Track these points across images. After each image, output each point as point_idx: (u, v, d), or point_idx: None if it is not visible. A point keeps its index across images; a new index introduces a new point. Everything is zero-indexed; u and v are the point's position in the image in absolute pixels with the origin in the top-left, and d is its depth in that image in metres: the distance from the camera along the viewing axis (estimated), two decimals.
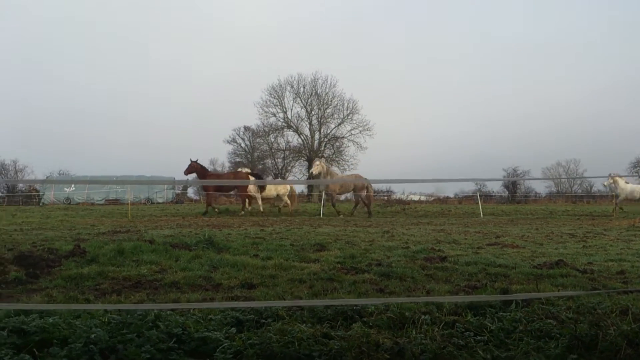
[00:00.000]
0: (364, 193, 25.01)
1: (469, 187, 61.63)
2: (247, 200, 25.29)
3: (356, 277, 6.33)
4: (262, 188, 25.25)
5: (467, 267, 7.06)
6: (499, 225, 17.00)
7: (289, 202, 26.39)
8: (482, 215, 25.26)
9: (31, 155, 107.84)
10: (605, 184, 29.04)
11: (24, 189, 52.09)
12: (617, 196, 27.62)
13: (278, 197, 26.68)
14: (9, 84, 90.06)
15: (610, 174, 27.94)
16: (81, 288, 5.68)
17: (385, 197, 47.67)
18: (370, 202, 25.37)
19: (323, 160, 26.85)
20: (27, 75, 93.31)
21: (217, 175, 25.49)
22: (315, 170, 24.82)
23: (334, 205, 25.42)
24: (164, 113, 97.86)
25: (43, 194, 47.67)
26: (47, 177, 55.77)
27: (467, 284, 5.90)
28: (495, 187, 60.66)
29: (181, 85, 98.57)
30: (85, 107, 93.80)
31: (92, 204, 43.47)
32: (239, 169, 25.62)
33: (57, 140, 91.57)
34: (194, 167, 24.62)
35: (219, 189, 25.72)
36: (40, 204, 43.34)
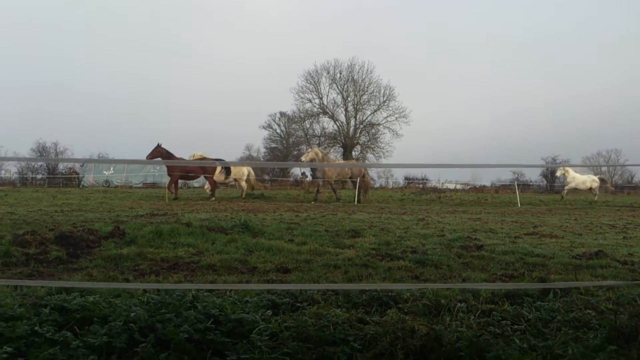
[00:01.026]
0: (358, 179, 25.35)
1: (505, 176, 60.65)
2: (215, 185, 25.24)
3: (391, 263, 6.33)
4: (226, 173, 25.32)
5: (504, 256, 6.98)
6: (536, 215, 16.72)
7: (244, 186, 26.10)
8: (519, 205, 24.84)
9: (71, 140, 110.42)
10: (558, 174, 29.79)
11: (64, 171, 53.47)
12: (567, 185, 29.10)
13: (236, 182, 26.60)
14: (50, 70, 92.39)
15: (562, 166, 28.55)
16: (120, 268, 5.84)
17: (420, 185, 47.34)
18: (366, 189, 25.75)
19: (316, 147, 26.92)
20: (69, 64, 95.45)
21: (184, 161, 25.15)
22: (305, 157, 25.06)
23: (334, 191, 25.57)
24: (205, 100, 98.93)
25: (83, 177, 48.84)
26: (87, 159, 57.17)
27: (504, 273, 5.84)
28: (534, 176, 59.55)
29: (221, 72, 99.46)
30: (123, 94, 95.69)
31: (130, 187, 44.34)
32: (200, 154, 25.05)
33: (96, 126, 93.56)
34: (159, 152, 24.02)
35: (184, 174, 25.54)
36: (80, 187, 44.39)
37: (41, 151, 61.37)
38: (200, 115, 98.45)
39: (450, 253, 7.22)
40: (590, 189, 29.69)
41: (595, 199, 29.36)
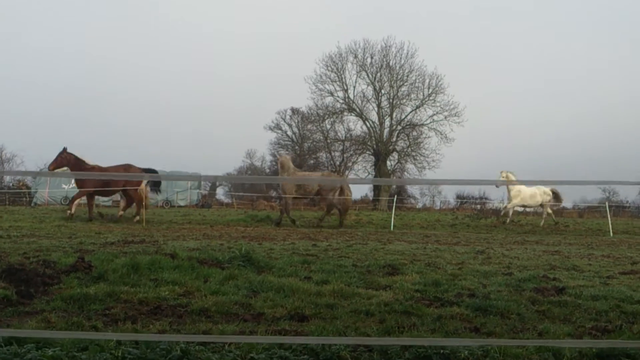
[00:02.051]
0: (335, 196, 25.28)
1: (593, 195, 60.20)
2: (141, 202, 24.97)
3: (441, 310, 6.29)
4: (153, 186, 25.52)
5: (594, 303, 6.90)
6: (636, 247, 16.50)
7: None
8: (611, 234, 24.56)
9: (21, 143, 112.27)
10: (498, 186, 29.99)
11: (11, 184, 54.12)
12: (510, 201, 29.49)
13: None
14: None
15: (502, 171, 28.81)
16: (87, 312, 5.87)
17: (478, 206, 47.12)
18: (345, 209, 25.72)
19: (285, 155, 26.95)
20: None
21: (100, 169, 24.74)
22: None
23: (287, 213, 25.73)
24: (184, 95, 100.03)
25: (35, 192, 49.40)
26: (40, 170, 57.86)
27: (595, 326, 5.76)
28: (631, 195, 58.96)
29: (208, 53, 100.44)
30: (89, 87, 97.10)
31: (97, 205, 44.80)
32: (130, 164, 24.87)
33: (53, 125, 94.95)
34: (66, 160, 23.81)
35: (99, 188, 25.18)
36: (32, 205, 44.91)
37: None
38: (184, 110, 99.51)
39: (520, 298, 7.15)
40: (542, 205, 29.76)
41: (542, 222, 29.18)
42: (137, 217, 24.04)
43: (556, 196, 30.41)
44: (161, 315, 5.88)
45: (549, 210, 30.04)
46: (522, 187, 29.27)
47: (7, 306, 6.08)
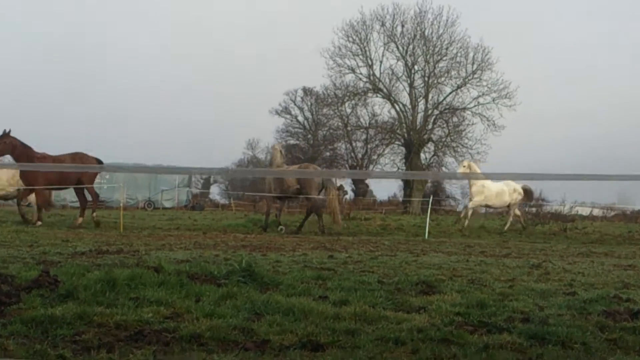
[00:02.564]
0: (318, 194, 25.45)
1: None
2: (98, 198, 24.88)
3: (488, 338, 6.28)
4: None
5: None
6: None
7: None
8: None
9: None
10: (456, 183, 29.91)
11: None
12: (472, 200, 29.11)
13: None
14: None
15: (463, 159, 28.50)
16: (52, 338, 5.88)
17: (533, 209, 46.80)
18: (334, 210, 25.45)
19: (277, 143, 27.01)
20: None
21: (52, 158, 24.17)
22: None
23: (266, 214, 26.37)
24: (170, 72, 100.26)
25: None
26: None
27: None
28: None
29: (201, 20, 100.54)
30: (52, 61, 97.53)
31: (64, 206, 44.95)
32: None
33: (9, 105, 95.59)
34: (9, 145, 22.99)
35: (53, 182, 24.63)
36: None
37: None
38: (167, 93, 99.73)
39: (586, 323, 7.11)
40: (509, 205, 29.37)
41: (506, 226, 28.95)
42: (95, 214, 24.26)
43: (527, 194, 30.24)
44: (143, 342, 5.89)
45: (517, 212, 29.57)
46: (487, 183, 28.68)
47: None
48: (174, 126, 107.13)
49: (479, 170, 28.69)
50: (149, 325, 6.47)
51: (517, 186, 29.33)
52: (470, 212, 28.79)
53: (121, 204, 27.50)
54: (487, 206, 30.82)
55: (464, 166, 28.92)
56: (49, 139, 68.65)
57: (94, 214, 24.39)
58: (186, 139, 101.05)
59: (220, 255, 13.63)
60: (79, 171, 24.00)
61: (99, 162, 24.60)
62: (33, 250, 13.51)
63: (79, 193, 25.39)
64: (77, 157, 24.18)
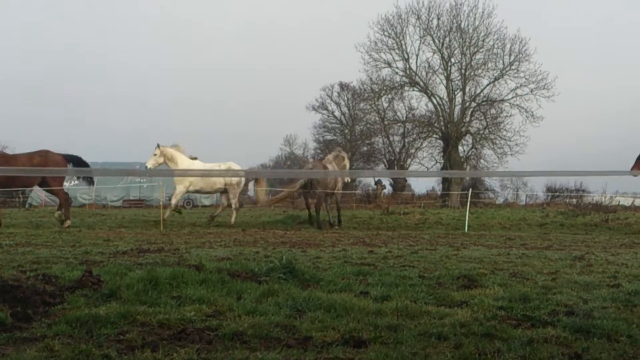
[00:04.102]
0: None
1: None
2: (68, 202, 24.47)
3: (532, 332, 6.24)
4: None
5: None
6: None
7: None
8: None
9: (13, 132, 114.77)
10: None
11: None
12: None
13: None
14: None
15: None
16: (97, 338, 5.94)
17: (574, 200, 46.43)
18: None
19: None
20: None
21: (4, 158, 23.45)
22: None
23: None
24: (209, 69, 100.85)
25: (30, 191, 50.23)
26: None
27: None
28: None
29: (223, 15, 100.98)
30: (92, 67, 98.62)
31: (105, 206, 45.45)
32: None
33: (51, 112, 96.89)
34: None
35: (8, 182, 23.93)
36: (27, 206, 45.68)
37: None
38: (203, 95, 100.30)
39: (631, 315, 7.04)
40: (225, 191, 26.80)
41: (216, 213, 27.04)
42: (68, 222, 23.15)
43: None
44: (186, 340, 5.93)
45: (234, 201, 26.70)
46: (196, 164, 26.20)
47: (1, 332, 6.16)
48: (213, 124, 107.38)
49: (181, 156, 25.91)
50: (191, 323, 6.51)
51: (238, 167, 27.17)
52: (174, 201, 26.00)
53: (160, 203, 27.64)
54: (197, 192, 28.16)
55: (157, 154, 25.77)
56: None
57: (58, 213, 23.72)
58: (225, 136, 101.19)
59: (260, 252, 13.68)
60: (42, 171, 22.42)
61: (74, 159, 23.96)
62: (75, 250, 13.64)
63: (53, 193, 25.05)
64: (38, 156, 23.01)
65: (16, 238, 17.16)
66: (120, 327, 6.34)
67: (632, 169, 12.73)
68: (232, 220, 25.81)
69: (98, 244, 15.39)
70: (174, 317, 6.71)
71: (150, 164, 25.46)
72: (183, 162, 25.56)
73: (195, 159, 26.08)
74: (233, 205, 26.39)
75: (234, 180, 26.07)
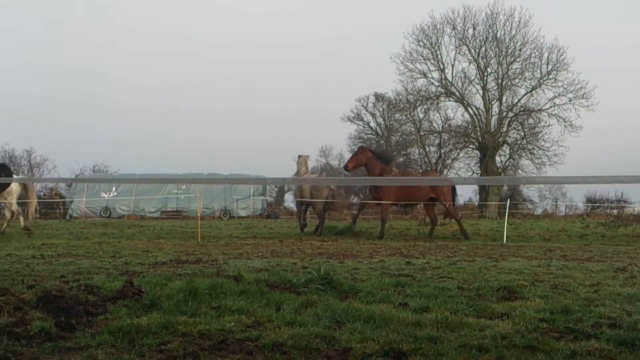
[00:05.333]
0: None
1: None
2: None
3: (575, 345, 6.18)
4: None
5: None
6: None
7: (13, 211, 25.05)
8: None
9: (54, 145, 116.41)
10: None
11: (42, 193, 55.84)
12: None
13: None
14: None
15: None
16: (139, 348, 6.01)
17: (615, 211, 45.94)
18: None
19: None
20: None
21: None
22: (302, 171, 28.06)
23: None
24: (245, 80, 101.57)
25: (71, 202, 50.86)
26: (76, 176, 59.47)
27: None
28: None
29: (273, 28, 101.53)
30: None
31: (143, 217, 45.84)
32: None
33: (90, 124, 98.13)
34: None
35: None
36: (67, 217, 46.25)
37: (7, 164, 64.52)
38: (242, 105, 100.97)
39: None
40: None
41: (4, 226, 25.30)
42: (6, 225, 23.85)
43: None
44: (227, 351, 5.96)
45: (14, 208, 25.18)
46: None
47: (46, 341, 6.25)
48: (250, 135, 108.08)
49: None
50: (231, 334, 6.55)
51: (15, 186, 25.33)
52: (13, 215, 25.28)
53: (198, 214, 27.85)
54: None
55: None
56: None
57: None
58: (262, 146, 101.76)
59: (297, 263, 13.72)
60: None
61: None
62: (115, 261, 13.80)
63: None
64: None
65: (58, 249, 17.43)
66: (161, 337, 6.40)
67: None
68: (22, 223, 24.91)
69: (137, 255, 15.55)
70: (214, 327, 6.75)
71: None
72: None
73: None
74: (15, 212, 25.19)
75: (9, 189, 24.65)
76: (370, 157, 25.89)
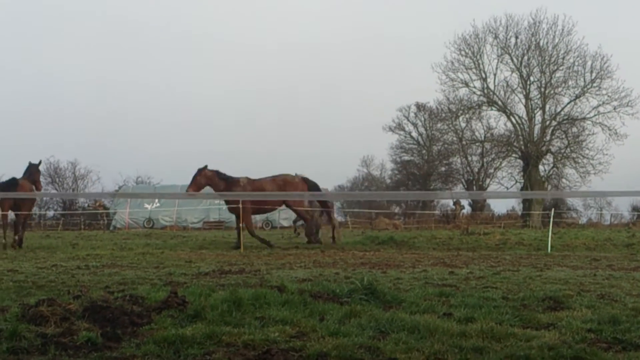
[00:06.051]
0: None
1: None
2: None
3: (624, 355, 6.13)
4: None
5: None
6: None
7: None
8: None
9: (97, 157, 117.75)
10: None
11: (86, 205, 56.57)
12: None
13: None
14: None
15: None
16: (184, 358, 6.06)
17: None
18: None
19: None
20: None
21: None
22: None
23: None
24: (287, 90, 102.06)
25: (114, 213, 51.42)
26: (119, 188, 60.15)
27: None
28: None
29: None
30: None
31: (185, 228, 46.14)
32: None
33: (134, 136, 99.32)
34: None
35: None
36: (111, 228, 46.75)
37: (53, 176, 65.46)
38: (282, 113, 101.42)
39: None
40: None
41: None
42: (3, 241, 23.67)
43: None
44: None
45: None
46: None
47: (92, 351, 6.33)
48: (289, 144, 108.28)
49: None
50: (276, 344, 6.56)
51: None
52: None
53: (240, 225, 27.94)
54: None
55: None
56: None
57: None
58: (304, 156, 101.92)
59: (340, 273, 13.71)
60: None
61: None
62: (159, 272, 13.91)
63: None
64: None
65: (102, 260, 17.61)
66: (206, 347, 6.44)
67: None
68: None
69: (180, 265, 15.66)
70: (259, 337, 6.77)
71: None
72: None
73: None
74: None
75: None
76: (210, 175, 25.52)
